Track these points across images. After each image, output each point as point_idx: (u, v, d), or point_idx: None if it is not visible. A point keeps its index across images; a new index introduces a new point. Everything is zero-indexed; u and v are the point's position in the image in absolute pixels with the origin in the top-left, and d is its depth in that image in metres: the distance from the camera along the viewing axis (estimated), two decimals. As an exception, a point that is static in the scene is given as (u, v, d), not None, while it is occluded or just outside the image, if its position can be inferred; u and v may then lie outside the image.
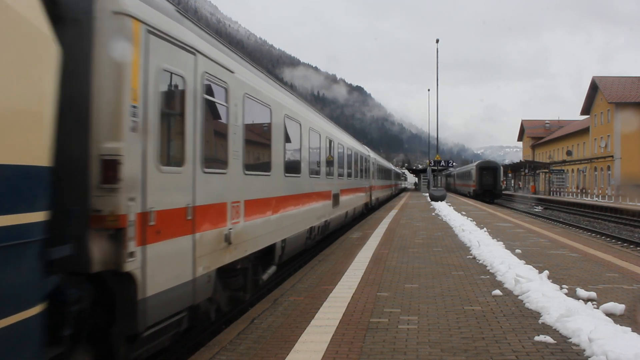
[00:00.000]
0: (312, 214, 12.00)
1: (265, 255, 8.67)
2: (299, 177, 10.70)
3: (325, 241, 15.50)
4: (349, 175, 19.07)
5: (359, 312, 6.63)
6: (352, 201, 19.54)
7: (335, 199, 15.19)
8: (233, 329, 6.07)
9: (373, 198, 29.23)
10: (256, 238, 7.73)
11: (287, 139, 9.92)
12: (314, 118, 13.03)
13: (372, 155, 30.67)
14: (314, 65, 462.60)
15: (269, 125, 8.90)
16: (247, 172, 7.27)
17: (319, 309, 6.80)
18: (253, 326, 6.12)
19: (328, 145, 14.47)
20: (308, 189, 11.52)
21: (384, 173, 39.70)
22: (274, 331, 5.89)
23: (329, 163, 14.75)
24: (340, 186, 16.40)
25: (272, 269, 9.09)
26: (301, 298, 7.48)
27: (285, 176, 9.56)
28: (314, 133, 12.53)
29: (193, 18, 6.12)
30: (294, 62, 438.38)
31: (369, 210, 27.81)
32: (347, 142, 18.92)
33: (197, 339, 7.05)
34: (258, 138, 8.55)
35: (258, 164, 8.33)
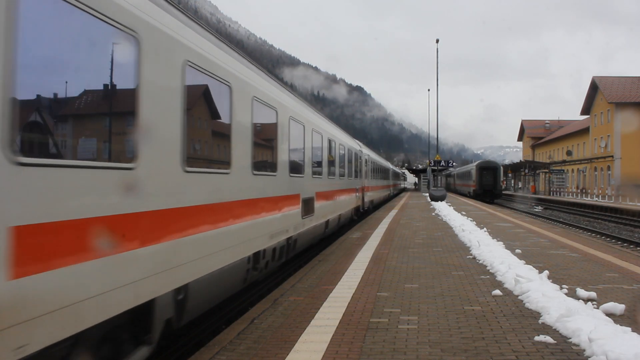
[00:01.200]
0: (260, 232, 7.90)
1: (128, 326, 4.57)
2: (225, 174, 6.54)
3: (325, 241, 15.42)
4: (332, 173, 15.04)
5: (359, 312, 6.63)
6: (335, 206, 15.42)
7: (307, 206, 11.31)
8: (233, 329, 6.07)
9: (366, 200, 25.06)
10: (77, 305, 3.64)
11: (196, 110, 6.06)
12: (265, 86, 8.57)
13: (365, 151, 26.44)
14: (314, 65, 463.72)
15: (138, 72, 4.57)
16: (26, 161, 3.25)
17: (319, 309, 6.79)
18: (253, 326, 6.12)
19: (294, 132, 10.38)
20: (248, 194, 7.38)
21: (380, 172, 35.40)
22: (274, 331, 5.88)
23: (296, 156, 10.77)
24: (317, 188, 12.52)
25: (141, 354, 4.67)
26: (301, 298, 7.47)
27: (187, 172, 5.37)
28: (266, 109, 8.44)
29: None
30: (294, 62, 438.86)
31: (361, 215, 23.91)
32: (328, 130, 14.81)
33: (197, 339, 7.05)
34: (101, 97, 4.30)
35: (86, 146, 4.18)
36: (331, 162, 15.20)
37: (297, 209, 10.43)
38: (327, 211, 13.98)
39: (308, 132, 11.77)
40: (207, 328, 7.49)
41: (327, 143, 14.32)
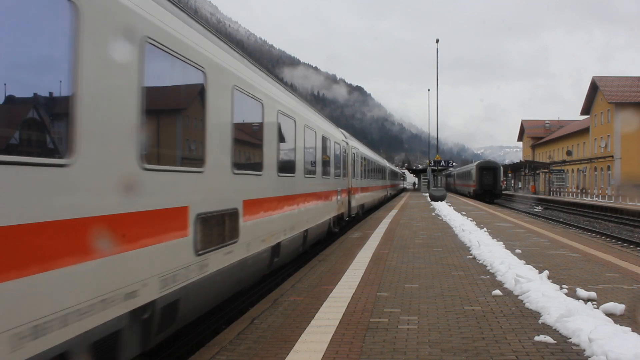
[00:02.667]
0: None
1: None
2: None
3: (325, 241, 15.40)
4: (288, 169, 9.91)
5: (359, 312, 6.63)
6: (294, 219, 10.35)
7: (216, 229, 6.25)
8: (233, 329, 6.07)
9: (353, 205, 20.07)
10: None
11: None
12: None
13: (354, 143, 21.56)
14: (314, 65, 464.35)
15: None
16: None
17: (319, 309, 6.79)
18: (253, 326, 6.12)
19: (164, 77, 5.51)
20: None
21: (374, 170, 30.64)
22: (274, 331, 5.88)
23: (177, 131, 6.07)
24: (248, 193, 7.46)
25: None
26: (301, 298, 7.47)
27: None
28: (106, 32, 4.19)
29: None
30: (294, 62, 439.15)
31: (347, 224, 19.18)
32: (282, 103, 9.62)
33: (197, 339, 7.05)
34: None
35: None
36: (288, 153, 10.24)
37: (178, 238, 5.26)
38: (274, 229, 8.80)
39: (222, 91, 6.53)
40: (207, 328, 7.50)
41: (278, 123, 9.16)
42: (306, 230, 11.52)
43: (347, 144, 19.26)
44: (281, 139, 9.52)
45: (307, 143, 11.79)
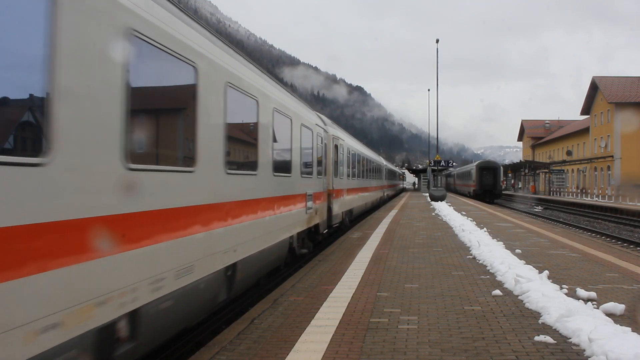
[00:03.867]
0: None
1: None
2: None
3: (325, 241, 15.40)
4: (183, 160, 5.61)
5: (359, 312, 6.63)
6: (201, 250, 5.69)
7: None
8: (233, 329, 6.07)
9: (336, 212, 15.95)
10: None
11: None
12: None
13: (336, 132, 17.07)
14: (314, 65, 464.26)
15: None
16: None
17: (319, 309, 6.80)
18: (253, 326, 6.12)
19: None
20: None
21: (367, 169, 26.41)
22: (274, 331, 5.88)
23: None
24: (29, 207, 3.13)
25: None
26: (301, 298, 7.48)
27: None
28: None
29: None
30: (294, 62, 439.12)
31: (328, 236, 15.73)
32: (146, 18, 4.50)
33: (197, 339, 7.05)
34: None
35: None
36: (185, 130, 5.82)
37: None
38: (112, 286, 3.98)
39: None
40: (207, 328, 7.50)
41: (203, 87, 5.82)
42: (232, 266, 6.89)
43: (327, 132, 14.69)
44: (143, 95, 4.83)
45: (238, 118, 7.34)
